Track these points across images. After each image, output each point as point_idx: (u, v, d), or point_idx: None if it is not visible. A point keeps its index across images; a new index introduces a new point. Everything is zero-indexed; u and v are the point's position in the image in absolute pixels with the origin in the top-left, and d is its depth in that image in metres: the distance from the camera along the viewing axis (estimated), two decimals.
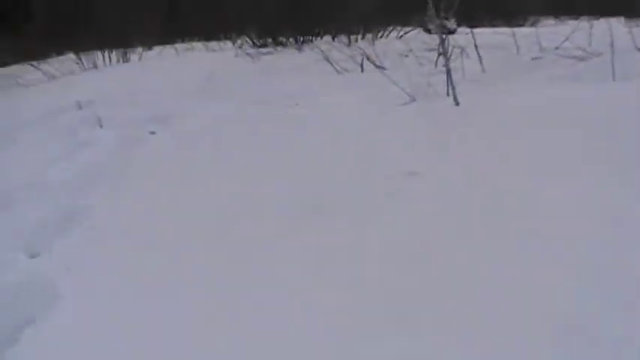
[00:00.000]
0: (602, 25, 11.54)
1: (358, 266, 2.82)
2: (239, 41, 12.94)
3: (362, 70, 8.36)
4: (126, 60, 13.74)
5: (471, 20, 21.11)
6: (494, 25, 18.22)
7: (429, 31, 13.68)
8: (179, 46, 15.83)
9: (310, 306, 2.53)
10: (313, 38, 13.63)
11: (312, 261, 2.92)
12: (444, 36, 6.87)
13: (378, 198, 3.55)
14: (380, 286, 2.63)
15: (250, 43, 13.30)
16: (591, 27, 10.33)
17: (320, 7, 13.58)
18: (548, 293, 2.43)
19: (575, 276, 2.53)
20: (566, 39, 10.16)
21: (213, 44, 14.76)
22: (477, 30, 14.77)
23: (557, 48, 10.12)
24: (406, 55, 8.89)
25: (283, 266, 2.88)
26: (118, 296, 2.75)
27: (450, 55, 6.48)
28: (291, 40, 13.25)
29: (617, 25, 8.96)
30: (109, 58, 13.57)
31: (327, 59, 8.73)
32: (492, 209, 3.24)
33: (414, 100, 5.79)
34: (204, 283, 2.78)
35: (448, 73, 5.60)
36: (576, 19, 16.38)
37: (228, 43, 14.18)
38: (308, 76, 8.43)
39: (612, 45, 7.14)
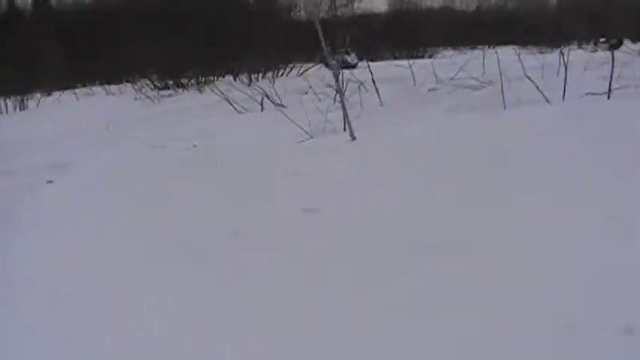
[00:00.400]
0: (496, 54, 12.09)
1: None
2: (139, 84, 12.74)
3: (262, 109, 8.35)
4: (23, 107, 13.32)
5: (372, 54, 21.73)
6: (395, 57, 18.67)
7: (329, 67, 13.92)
8: (79, 90, 15.51)
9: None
10: (215, 78, 13.58)
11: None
12: (339, 71, 6.95)
13: (276, 235, 3.49)
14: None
15: (151, 85, 13.11)
16: (484, 57, 10.74)
17: (222, 47, 13.60)
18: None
19: None
20: (460, 69, 10.52)
21: (114, 88, 14.53)
22: (377, 63, 15.14)
23: (452, 79, 10.45)
24: (306, 92, 8.95)
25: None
26: None
27: (345, 90, 6.55)
28: (192, 81, 13.16)
29: (510, 53, 9.31)
30: (5, 106, 13.13)
31: (228, 100, 8.69)
32: (378, 240, 3.24)
33: (311, 137, 5.80)
34: None
35: (344, 109, 5.63)
36: (473, 48, 16.97)
37: (129, 86, 13.95)
38: (208, 117, 8.37)
39: (501, 75, 7.41)
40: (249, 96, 8.74)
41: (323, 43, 5.68)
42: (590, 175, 3.70)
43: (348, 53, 18.56)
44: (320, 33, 5.56)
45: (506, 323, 2.15)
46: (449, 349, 2.05)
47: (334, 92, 8.13)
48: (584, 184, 3.55)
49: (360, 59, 16.30)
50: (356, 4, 20.17)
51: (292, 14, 15.58)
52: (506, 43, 17.66)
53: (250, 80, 12.24)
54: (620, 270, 2.47)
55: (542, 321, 2.13)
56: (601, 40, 14.95)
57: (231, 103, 8.57)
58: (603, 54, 6.88)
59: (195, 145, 6.31)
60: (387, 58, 18.86)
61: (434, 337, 2.13)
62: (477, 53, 12.07)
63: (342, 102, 5.70)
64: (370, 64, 11.56)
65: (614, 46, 9.11)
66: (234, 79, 13.05)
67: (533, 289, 2.38)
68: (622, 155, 4.02)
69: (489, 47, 15.14)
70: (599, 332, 2.04)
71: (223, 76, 13.78)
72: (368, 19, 22.95)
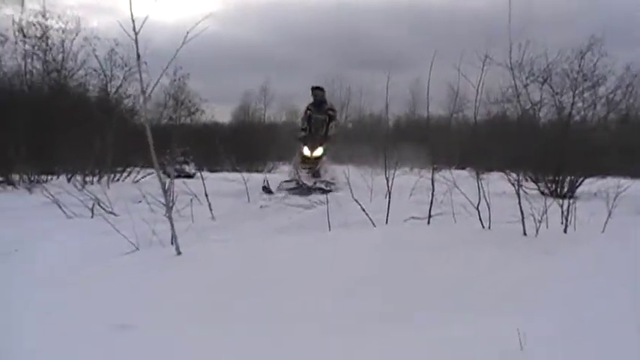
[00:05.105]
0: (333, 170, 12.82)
1: None
2: None
3: (92, 216, 8.24)
4: None
5: (213, 164, 22.00)
6: (235, 170, 18.97)
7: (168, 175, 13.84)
8: None
9: None
10: (48, 178, 13.21)
11: None
12: (172, 182, 7.07)
13: (82, 354, 3.48)
14: None
15: None
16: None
17: (57, 146, 13.29)
18: None
19: None
20: (294, 188, 11.03)
21: None
22: (217, 175, 15.37)
23: (284, 197, 10.91)
24: (139, 201, 8.96)
25: None
26: None
27: (175, 202, 6.67)
28: (23, 177, 12.71)
29: (346, 171, 9.83)
30: None
31: (57, 203, 8.52)
32: None
33: (137, 248, 5.85)
34: None
35: (171, 223, 5.74)
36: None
37: None
38: (36, 220, 8.12)
39: (327, 196, 7.84)
40: (81, 201, 8.61)
41: (152, 152, 5.74)
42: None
43: (187, 163, 18.75)
44: (150, 141, 5.65)
45: None
46: None
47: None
48: None
49: (200, 169, 16.48)
50: (199, 114, 20.46)
51: (133, 118, 15.54)
52: (343, 162, 18.43)
53: (84, 183, 12.02)
54: None
55: None
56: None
57: (60, 207, 8.40)
58: (429, 180, 7.48)
59: (16, 250, 6.14)
60: (228, 170, 19.16)
61: None
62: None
63: (169, 216, 5.81)
64: (210, 175, 11.80)
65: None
66: (68, 181, 12.76)
67: None
68: None
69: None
70: None
71: (57, 177, 13.42)
72: (210, 128, 23.34)
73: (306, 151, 13.29)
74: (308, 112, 13.88)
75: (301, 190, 12.12)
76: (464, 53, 7.25)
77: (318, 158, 13.28)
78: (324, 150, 13.42)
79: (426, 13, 53.39)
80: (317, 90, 14.00)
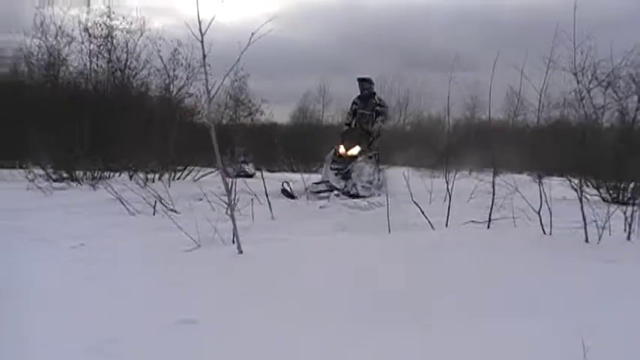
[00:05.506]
0: (392, 173, 12.66)
1: None
2: (32, 173, 12.46)
3: (154, 213, 8.40)
4: None
5: (271, 164, 22.17)
6: (293, 170, 19.06)
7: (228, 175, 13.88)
8: None
9: None
10: (110, 175, 13.50)
11: None
12: (234, 182, 7.14)
13: (147, 347, 3.54)
14: None
15: (45, 175, 12.86)
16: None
17: (119, 143, 13.59)
18: None
19: None
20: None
21: (6, 173, 14.07)
22: (275, 175, 15.48)
23: (337, 196, 10.91)
24: (200, 199, 9.08)
25: None
26: None
27: (237, 201, 6.74)
28: (87, 174, 13.02)
29: (404, 174, 9.76)
30: None
31: (121, 199, 8.71)
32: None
33: (199, 246, 5.93)
34: None
35: (233, 222, 5.81)
36: None
37: (22, 173, 13.56)
38: (100, 215, 8.33)
39: (387, 198, 7.83)
40: (143, 198, 8.79)
41: (217, 152, 5.83)
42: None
43: (246, 163, 18.89)
44: (215, 141, 5.72)
45: None
46: None
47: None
48: None
49: (258, 169, 16.61)
50: (259, 115, 20.61)
51: (194, 118, 15.76)
52: (402, 164, 18.40)
53: (146, 181, 12.24)
54: None
55: None
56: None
57: (124, 204, 8.59)
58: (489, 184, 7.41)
59: (82, 244, 6.29)
60: (285, 170, 19.25)
61: None
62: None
63: (232, 215, 5.88)
64: (268, 175, 11.85)
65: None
66: (130, 178, 13.02)
67: None
68: None
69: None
70: None
71: (119, 174, 13.69)
72: (269, 129, 23.49)
73: (341, 148, 12.04)
74: (354, 106, 12.90)
75: (329, 194, 11.20)
76: (527, 55, 7.16)
77: (353, 157, 11.87)
78: (370, 148, 12.28)
79: (490, 15, 52.71)
80: (364, 82, 12.85)
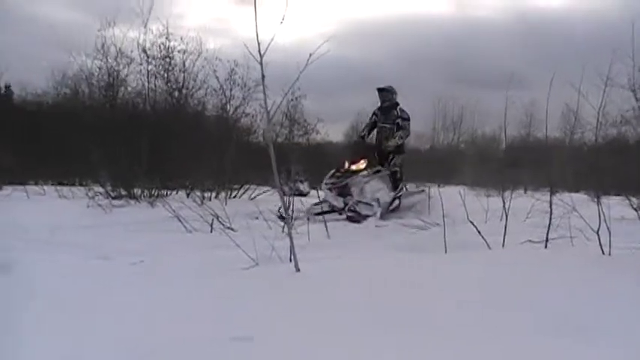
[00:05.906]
0: (447, 192, 12.54)
1: None
2: (92, 191, 12.80)
3: (211, 231, 8.50)
4: None
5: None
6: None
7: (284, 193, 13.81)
8: (30, 188, 15.42)
9: None
10: (168, 193, 13.74)
11: None
12: (291, 200, 7.19)
13: None
14: None
15: (104, 193, 13.19)
16: (429, 198, 11.21)
17: (176, 162, 13.84)
18: None
19: None
20: (411, 208, 10.95)
21: (66, 190, 14.48)
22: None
23: (399, 217, 10.83)
24: (256, 218, 9.16)
25: None
26: None
27: (294, 221, 6.78)
28: (145, 193, 13.28)
29: (459, 193, 9.67)
30: None
31: (178, 217, 8.84)
32: None
33: (256, 264, 5.97)
34: None
35: (291, 240, 5.84)
36: (424, 185, 17.47)
37: (82, 190, 13.92)
38: (158, 232, 8.48)
39: (444, 218, 7.76)
40: (200, 216, 8.91)
41: (275, 171, 5.87)
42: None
43: (301, 182, 18.99)
44: (273, 160, 5.75)
45: None
46: None
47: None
48: None
49: (313, 188, 16.67)
50: (314, 134, 20.70)
51: (250, 137, 15.94)
52: (457, 183, 18.30)
53: (203, 199, 12.42)
54: None
55: None
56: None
57: (182, 222, 8.72)
58: (545, 203, 7.29)
59: (142, 261, 6.40)
60: None
61: None
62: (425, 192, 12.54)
63: (289, 234, 5.92)
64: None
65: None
66: (187, 197, 13.22)
67: None
68: None
69: (439, 186, 15.75)
70: None
71: (177, 192, 13.92)
72: (323, 148, 23.55)
73: (347, 163, 11.18)
74: (374, 117, 11.91)
75: (327, 214, 10.11)
76: (584, 72, 7.04)
77: (355, 173, 10.93)
78: (390, 165, 11.44)
79: (544, 31, 52.11)
80: (383, 92, 11.64)
